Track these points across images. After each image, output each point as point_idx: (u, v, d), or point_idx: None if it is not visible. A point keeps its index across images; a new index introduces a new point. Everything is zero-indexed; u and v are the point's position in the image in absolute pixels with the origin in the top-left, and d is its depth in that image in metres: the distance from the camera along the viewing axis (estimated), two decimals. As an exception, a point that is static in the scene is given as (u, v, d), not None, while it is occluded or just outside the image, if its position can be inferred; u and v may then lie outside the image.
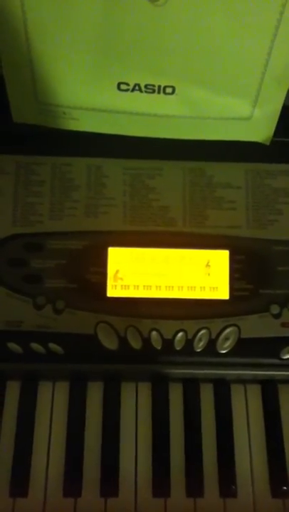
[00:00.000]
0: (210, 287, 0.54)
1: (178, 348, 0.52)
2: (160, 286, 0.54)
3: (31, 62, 0.49)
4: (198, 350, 0.52)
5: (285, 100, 0.52)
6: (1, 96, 0.53)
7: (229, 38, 0.46)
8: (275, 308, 0.53)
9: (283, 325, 0.53)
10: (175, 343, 0.52)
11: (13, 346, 0.52)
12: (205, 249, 0.54)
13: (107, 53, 0.48)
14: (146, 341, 0.52)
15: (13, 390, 0.54)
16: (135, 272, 0.54)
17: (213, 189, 0.56)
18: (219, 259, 0.54)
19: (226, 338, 0.52)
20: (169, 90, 0.51)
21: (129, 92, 0.51)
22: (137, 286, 0.53)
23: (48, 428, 0.53)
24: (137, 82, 0.50)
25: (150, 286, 0.53)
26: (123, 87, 0.51)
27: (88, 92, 0.52)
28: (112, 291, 0.53)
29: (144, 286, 0.53)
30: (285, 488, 0.51)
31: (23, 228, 0.54)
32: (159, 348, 0.52)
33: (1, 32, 0.47)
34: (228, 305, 0.53)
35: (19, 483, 0.50)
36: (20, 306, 0.52)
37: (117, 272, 0.53)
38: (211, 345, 0.52)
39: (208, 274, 0.54)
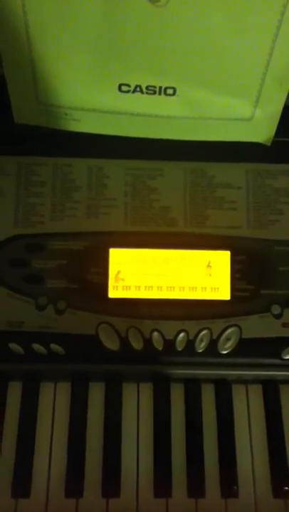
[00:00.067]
0: (211, 288, 0.54)
1: (179, 349, 0.52)
2: (161, 287, 0.54)
3: (32, 62, 0.49)
4: (200, 350, 0.52)
5: (286, 100, 0.53)
6: (3, 97, 0.53)
7: (230, 39, 0.46)
8: (276, 309, 0.53)
9: (284, 325, 0.53)
10: (176, 344, 0.52)
11: (14, 347, 0.52)
12: (206, 249, 0.54)
13: (108, 54, 0.48)
14: (148, 342, 0.52)
15: (14, 391, 0.54)
16: (136, 273, 0.54)
17: (214, 189, 0.56)
18: (220, 260, 0.54)
19: (227, 339, 0.52)
20: (170, 91, 0.51)
21: (130, 94, 0.51)
22: (138, 286, 0.54)
23: (49, 428, 0.53)
24: (138, 83, 0.50)
25: (151, 287, 0.54)
26: (124, 88, 0.51)
27: (89, 93, 0.52)
28: (114, 291, 0.53)
29: (145, 286, 0.54)
30: (286, 488, 0.51)
31: (24, 229, 0.54)
32: (160, 348, 0.52)
33: (2, 33, 0.47)
34: (229, 305, 0.53)
35: (21, 484, 0.51)
36: (21, 307, 0.52)
37: (119, 272, 0.54)
38: (213, 345, 0.52)
39: (210, 275, 0.54)
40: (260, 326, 0.53)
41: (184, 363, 0.53)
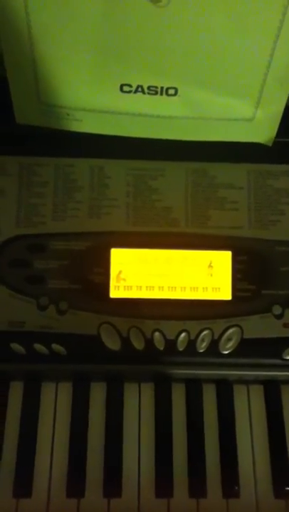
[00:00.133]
0: (212, 288, 0.54)
1: (180, 349, 0.52)
2: (163, 287, 0.54)
3: (34, 63, 0.49)
4: (201, 350, 0.52)
5: (287, 101, 0.53)
6: (4, 97, 0.53)
7: (232, 39, 0.46)
8: (277, 309, 0.53)
9: (285, 325, 0.53)
10: (178, 344, 0.52)
11: (16, 347, 0.52)
12: (207, 249, 0.54)
13: (110, 55, 0.48)
14: (149, 342, 0.52)
15: (16, 391, 0.54)
16: (138, 273, 0.54)
17: (215, 190, 0.56)
18: (222, 260, 0.54)
19: (229, 339, 0.52)
20: (171, 92, 0.51)
21: (131, 94, 0.51)
22: (140, 287, 0.54)
23: (51, 428, 0.53)
24: (140, 83, 0.50)
25: (153, 287, 0.54)
26: (126, 88, 0.51)
27: (91, 94, 0.52)
28: (115, 292, 0.53)
29: (146, 287, 0.54)
30: (287, 488, 0.51)
31: (26, 229, 0.54)
32: (161, 348, 0.52)
33: (5, 34, 0.47)
34: (230, 306, 0.53)
35: (23, 484, 0.51)
36: (23, 307, 0.52)
37: (120, 272, 0.54)
38: (214, 345, 0.52)
39: (211, 275, 0.54)
40: (261, 327, 0.53)
41: (185, 363, 0.53)
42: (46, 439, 0.53)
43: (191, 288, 0.54)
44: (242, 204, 0.56)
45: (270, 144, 0.57)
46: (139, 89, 0.51)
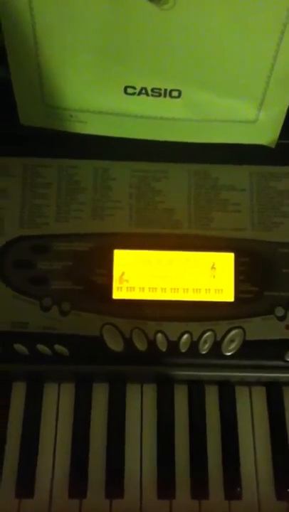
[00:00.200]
0: (215, 289, 0.54)
1: (183, 350, 0.52)
2: (165, 289, 0.54)
3: (39, 65, 0.49)
4: (204, 352, 0.52)
5: (290, 103, 0.53)
6: (9, 99, 0.53)
7: (235, 42, 0.46)
8: (279, 311, 0.53)
9: (288, 327, 0.53)
10: (180, 345, 0.52)
11: (19, 347, 0.52)
12: (210, 251, 0.54)
13: (114, 57, 0.48)
14: (152, 343, 0.52)
15: (19, 391, 0.55)
16: (141, 274, 0.54)
17: (218, 191, 0.56)
18: (224, 262, 0.54)
19: (231, 341, 0.53)
20: (175, 94, 0.51)
21: (135, 96, 0.52)
22: (143, 288, 0.54)
23: (53, 429, 0.53)
24: (144, 85, 0.51)
25: (155, 289, 0.54)
26: (130, 90, 0.51)
27: (95, 96, 0.52)
28: (118, 293, 0.53)
29: (149, 288, 0.54)
30: (289, 490, 0.51)
31: (29, 230, 0.54)
32: (164, 350, 0.52)
33: (10, 36, 0.47)
34: (233, 307, 0.53)
35: (25, 484, 0.51)
36: (26, 308, 0.53)
37: (123, 274, 0.54)
38: (216, 347, 0.52)
39: (213, 277, 0.54)
40: (263, 328, 0.53)
41: (188, 364, 0.53)
42: (48, 439, 0.53)
43: (193, 289, 0.54)
44: (244, 206, 0.56)
45: (273, 146, 0.57)
46: (143, 91, 0.51)
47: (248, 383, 0.56)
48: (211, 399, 0.55)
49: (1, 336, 0.52)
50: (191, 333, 0.52)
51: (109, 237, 0.54)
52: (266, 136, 0.56)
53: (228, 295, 0.54)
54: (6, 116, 0.55)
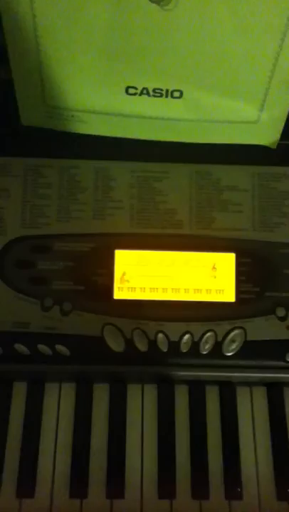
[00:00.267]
0: (216, 290, 0.54)
1: (184, 351, 0.52)
2: (166, 289, 0.54)
3: (40, 65, 0.49)
4: (205, 352, 0.52)
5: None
6: (10, 99, 0.53)
7: (237, 42, 0.46)
8: (280, 311, 0.53)
9: (289, 328, 0.53)
10: (181, 346, 0.52)
11: (20, 347, 0.52)
12: (211, 251, 0.54)
13: (116, 57, 0.48)
14: (153, 343, 0.52)
15: (19, 391, 0.55)
16: (142, 275, 0.54)
17: (219, 192, 0.56)
18: (225, 262, 0.54)
19: (232, 341, 0.53)
20: (176, 94, 0.51)
21: (137, 96, 0.52)
22: (144, 288, 0.54)
23: (54, 429, 0.53)
24: (145, 86, 0.51)
25: (156, 289, 0.54)
26: (131, 90, 0.51)
27: (97, 96, 0.52)
28: (119, 293, 0.53)
29: (150, 288, 0.54)
30: (290, 490, 0.51)
31: (30, 230, 0.54)
32: (165, 350, 0.52)
33: (12, 36, 0.47)
34: (234, 308, 0.53)
35: (26, 484, 0.51)
36: (27, 308, 0.53)
37: (124, 274, 0.54)
38: (217, 347, 0.52)
39: (215, 277, 0.54)
40: (264, 329, 0.53)
41: (189, 364, 0.53)
42: (49, 439, 0.53)
43: (194, 290, 0.54)
44: (246, 206, 0.56)
45: (275, 147, 0.57)
46: (145, 91, 0.51)
47: (249, 383, 0.55)
48: (212, 399, 0.55)
49: (2, 336, 0.52)
50: (192, 334, 0.53)
51: (110, 238, 0.54)
52: (268, 136, 0.56)
53: (229, 295, 0.54)
54: (7, 116, 0.55)
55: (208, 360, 0.52)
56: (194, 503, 0.51)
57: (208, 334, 0.53)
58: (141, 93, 0.51)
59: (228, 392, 0.55)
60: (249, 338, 0.52)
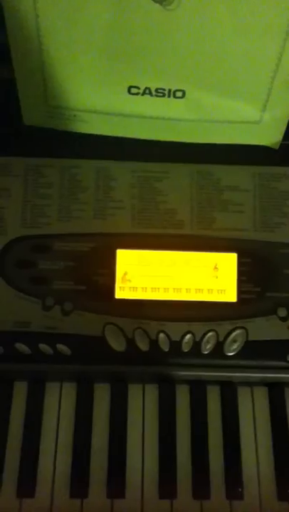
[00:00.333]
0: (217, 290, 0.54)
1: (185, 350, 0.52)
2: (168, 289, 0.54)
3: (43, 65, 0.49)
4: (206, 352, 0.52)
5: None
6: (12, 99, 0.53)
7: (239, 42, 0.46)
8: (282, 311, 0.53)
9: (290, 328, 0.53)
10: (182, 345, 0.52)
11: (21, 347, 0.52)
12: (212, 251, 0.54)
13: (118, 57, 0.48)
14: (154, 343, 0.52)
15: (20, 391, 0.54)
16: (143, 274, 0.54)
17: (220, 192, 0.56)
18: (227, 262, 0.54)
19: (234, 341, 0.53)
20: (179, 94, 0.51)
21: (139, 96, 0.52)
22: (145, 288, 0.54)
23: (55, 429, 0.53)
24: (148, 85, 0.51)
25: (158, 289, 0.54)
26: (133, 90, 0.51)
27: (99, 96, 0.52)
28: (120, 293, 0.53)
29: (151, 288, 0.54)
30: (291, 490, 0.51)
31: (31, 230, 0.54)
32: (166, 350, 0.52)
33: (14, 37, 0.47)
34: (235, 308, 0.53)
35: (26, 484, 0.51)
36: (28, 307, 0.53)
37: (125, 274, 0.54)
38: (219, 347, 0.52)
39: (216, 277, 0.54)
40: (266, 329, 0.53)
41: (190, 364, 0.53)
42: (50, 439, 0.53)
43: (196, 290, 0.54)
44: (247, 206, 0.56)
45: (277, 147, 0.57)
46: (147, 91, 0.51)
47: (250, 383, 0.55)
48: (213, 399, 0.55)
49: (3, 336, 0.52)
50: (193, 333, 0.53)
51: (111, 237, 0.54)
52: (270, 137, 0.56)
53: (230, 295, 0.54)
54: (9, 116, 0.55)
55: (209, 360, 0.52)
56: (195, 503, 0.51)
57: (210, 334, 0.53)
58: (143, 93, 0.51)
59: (229, 392, 0.55)
60: (250, 338, 0.52)
